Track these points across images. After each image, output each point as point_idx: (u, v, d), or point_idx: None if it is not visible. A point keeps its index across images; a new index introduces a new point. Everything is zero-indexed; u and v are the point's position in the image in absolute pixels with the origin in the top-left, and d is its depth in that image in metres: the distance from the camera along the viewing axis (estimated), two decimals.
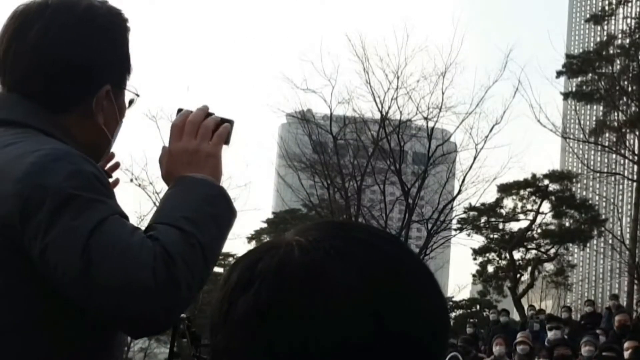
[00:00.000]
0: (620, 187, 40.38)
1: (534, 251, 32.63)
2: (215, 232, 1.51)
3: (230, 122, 1.76)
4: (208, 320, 0.78)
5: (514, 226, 32.88)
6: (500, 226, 33.05)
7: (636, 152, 29.23)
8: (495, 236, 32.99)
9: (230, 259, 49.87)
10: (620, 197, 43.59)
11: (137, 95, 1.68)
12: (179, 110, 1.75)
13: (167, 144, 1.66)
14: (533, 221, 31.86)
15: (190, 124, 1.64)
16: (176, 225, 1.46)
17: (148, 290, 1.36)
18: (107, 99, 1.59)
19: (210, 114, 1.69)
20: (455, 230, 27.66)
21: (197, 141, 1.62)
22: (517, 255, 31.93)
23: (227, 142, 1.77)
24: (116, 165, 1.91)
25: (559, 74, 33.13)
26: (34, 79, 1.55)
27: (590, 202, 34.52)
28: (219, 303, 0.76)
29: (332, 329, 0.69)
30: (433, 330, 0.74)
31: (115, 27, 1.61)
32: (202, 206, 1.51)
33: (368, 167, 24.40)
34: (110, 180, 1.74)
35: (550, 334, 10.52)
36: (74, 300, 1.39)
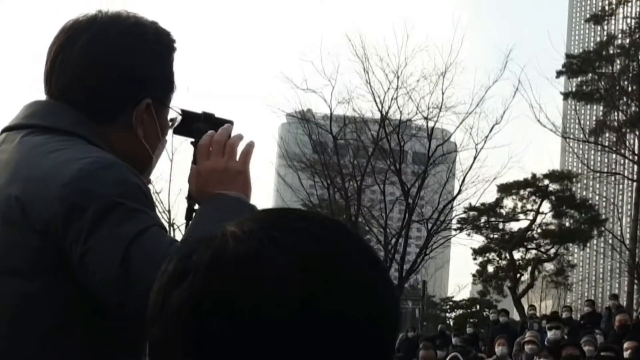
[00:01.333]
0: (620, 187, 40.40)
1: (534, 251, 32.66)
2: None
3: (230, 123, 1.79)
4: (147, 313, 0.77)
5: (514, 226, 32.93)
6: (500, 226, 33.08)
7: (636, 152, 29.24)
8: (495, 236, 33.01)
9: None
10: (620, 197, 43.60)
11: (180, 115, 1.72)
12: (182, 111, 1.78)
13: (193, 163, 1.70)
14: (533, 221, 31.88)
15: (216, 144, 1.68)
16: None
17: None
18: (148, 112, 1.62)
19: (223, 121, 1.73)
20: (455, 230, 27.69)
21: (225, 159, 1.67)
22: (517, 255, 31.97)
23: None
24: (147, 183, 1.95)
25: (559, 74, 33.14)
26: (77, 89, 1.58)
27: (590, 202, 34.55)
28: (156, 295, 0.75)
29: (262, 318, 0.68)
30: (372, 312, 0.72)
31: (162, 44, 1.65)
32: None
33: (368, 167, 24.40)
34: None
35: (550, 334, 10.53)
36: (109, 305, 1.42)
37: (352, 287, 0.72)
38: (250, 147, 1.72)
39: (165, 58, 1.65)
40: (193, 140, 1.77)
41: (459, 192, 23.98)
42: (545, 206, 32.39)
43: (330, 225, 0.76)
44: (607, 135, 31.31)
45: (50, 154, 1.49)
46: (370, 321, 0.72)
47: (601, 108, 33.60)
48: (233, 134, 1.75)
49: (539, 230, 32.69)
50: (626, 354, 8.55)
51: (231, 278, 0.70)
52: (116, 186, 1.44)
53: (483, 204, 30.63)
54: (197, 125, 1.76)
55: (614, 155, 33.24)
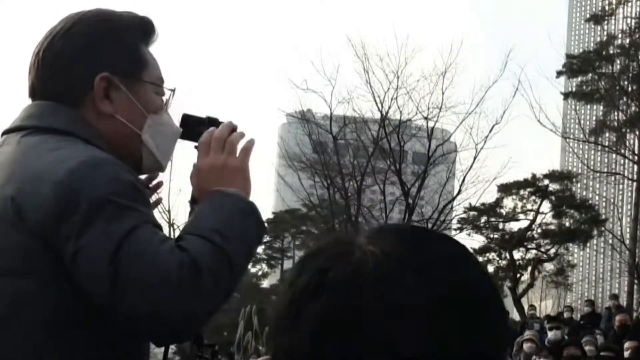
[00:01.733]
0: (620, 187, 40.40)
1: (534, 251, 32.62)
2: (244, 247, 1.55)
3: (234, 127, 1.79)
4: (273, 319, 0.78)
5: (514, 226, 32.89)
6: (500, 226, 33.03)
7: (636, 152, 29.23)
8: (495, 236, 32.97)
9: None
10: (620, 197, 43.61)
11: (171, 90, 1.73)
12: (184, 116, 1.77)
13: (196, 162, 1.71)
14: (533, 221, 31.85)
15: (216, 141, 1.69)
16: (207, 237, 1.50)
17: (171, 299, 1.39)
18: (115, 89, 1.63)
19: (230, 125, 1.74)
20: (455, 230, 27.68)
21: (224, 156, 1.68)
22: (517, 255, 31.93)
23: None
24: (159, 184, 1.95)
25: (559, 73, 33.11)
26: (48, 82, 1.63)
27: (590, 202, 34.51)
28: (287, 304, 0.75)
29: (399, 343, 0.70)
30: (497, 347, 0.75)
31: (114, 21, 1.67)
32: (233, 220, 1.56)
33: (368, 167, 24.40)
34: (152, 199, 1.79)
35: (551, 334, 10.51)
36: (100, 304, 1.42)
37: (484, 317, 0.74)
38: (250, 144, 1.72)
39: (118, 33, 1.66)
40: (197, 144, 1.77)
41: (459, 192, 24.01)
42: (545, 206, 32.38)
43: (461, 251, 0.77)
44: (607, 135, 31.30)
45: (46, 154, 1.50)
46: (496, 352, 0.74)
47: (601, 108, 33.58)
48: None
49: (539, 230, 32.66)
50: (626, 354, 8.54)
51: (369, 299, 0.71)
52: (108, 184, 1.44)
53: (483, 204, 30.61)
54: (200, 129, 1.77)
55: (614, 155, 33.22)
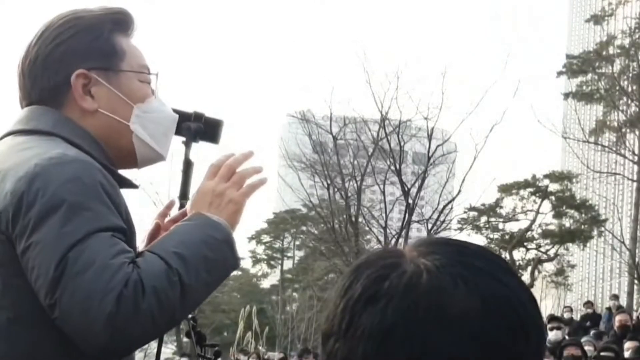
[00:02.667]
0: (620, 187, 40.36)
1: (534, 251, 32.63)
2: (204, 275, 1.50)
3: (220, 122, 1.78)
4: (323, 327, 0.79)
5: (514, 226, 32.90)
6: (500, 226, 33.06)
7: (636, 152, 29.22)
8: (496, 236, 32.98)
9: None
10: (620, 197, 43.57)
11: (155, 75, 1.71)
12: (173, 111, 1.76)
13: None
14: (533, 221, 31.85)
15: (227, 167, 1.67)
16: (164, 258, 1.46)
17: (106, 316, 1.36)
18: (95, 84, 1.63)
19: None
20: (455, 230, 27.66)
21: (227, 185, 1.64)
22: (517, 255, 31.93)
23: (216, 140, 1.78)
24: (170, 204, 1.86)
25: (559, 74, 33.13)
26: (30, 89, 1.64)
27: (590, 202, 34.52)
28: (340, 312, 0.77)
29: (451, 354, 0.73)
30: (536, 357, 0.78)
31: (84, 18, 1.67)
32: (200, 247, 1.51)
33: (368, 167, 24.38)
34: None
35: (552, 334, 10.50)
36: (44, 305, 1.40)
37: (527, 330, 0.77)
38: (260, 183, 1.69)
39: (90, 27, 1.65)
40: (184, 139, 1.76)
41: (459, 192, 23.95)
42: (545, 206, 32.39)
43: (506, 268, 0.81)
44: (607, 135, 31.30)
45: (20, 152, 1.50)
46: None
47: (601, 108, 33.59)
48: (222, 133, 1.77)
49: (539, 231, 32.67)
50: (627, 354, 8.54)
51: (425, 309, 0.74)
52: (69, 182, 1.42)
53: (483, 204, 30.62)
54: (187, 124, 1.75)
55: (614, 156, 33.19)
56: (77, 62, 1.62)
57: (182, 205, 1.75)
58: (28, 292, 1.42)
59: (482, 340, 0.74)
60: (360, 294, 0.77)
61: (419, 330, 0.73)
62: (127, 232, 1.48)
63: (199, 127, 1.77)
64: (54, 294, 1.37)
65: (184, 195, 1.75)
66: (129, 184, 1.65)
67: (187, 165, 1.78)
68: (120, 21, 1.69)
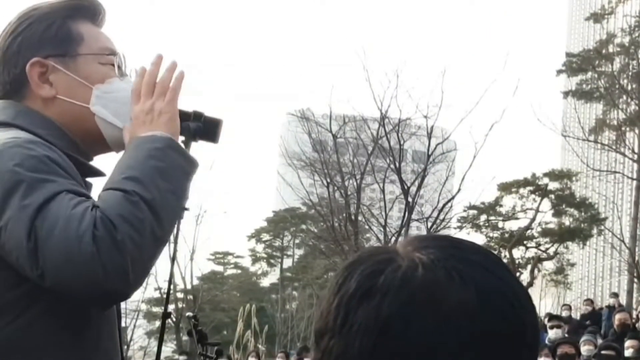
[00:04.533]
0: (620, 185, 40.40)
1: (533, 250, 32.64)
2: (164, 184, 1.49)
3: (220, 121, 1.78)
4: (317, 325, 0.79)
5: (514, 225, 32.91)
6: (500, 225, 33.07)
7: (636, 150, 29.24)
8: (495, 235, 32.99)
9: (230, 257, 50.07)
10: (620, 195, 43.60)
11: (114, 55, 1.70)
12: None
13: None
14: (533, 220, 31.86)
15: (147, 85, 1.65)
16: (117, 187, 1.46)
17: (90, 258, 1.36)
18: (52, 71, 1.64)
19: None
20: (455, 228, 27.66)
21: (152, 99, 1.63)
22: (516, 253, 31.95)
23: (215, 140, 1.77)
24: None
25: (559, 72, 33.14)
26: None
27: (589, 200, 34.52)
28: (335, 309, 0.77)
29: (448, 346, 0.73)
30: (531, 350, 0.79)
31: (41, 8, 1.68)
32: (146, 161, 1.50)
33: (368, 166, 24.38)
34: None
35: (552, 333, 10.51)
36: (32, 279, 1.40)
37: (522, 322, 0.78)
38: (177, 80, 1.66)
39: (46, 16, 1.66)
40: (183, 139, 1.75)
41: (459, 190, 23.94)
42: (545, 205, 32.41)
43: (498, 261, 0.81)
44: (606, 133, 31.33)
45: None
46: (531, 353, 0.79)
47: (601, 106, 33.62)
48: (221, 132, 1.75)
49: (539, 229, 32.68)
50: (628, 352, 8.54)
51: (420, 302, 0.74)
52: (22, 160, 1.43)
53: (483, 203, 30.63)
54: (186, 124, 1.74)
55: (613, 154, 33.23)
56: (32, 52, 1.63)
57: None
58: (6, 280, 1.43)
59: (477, 332, 0.74)
60: (355, 289, 0.76)
61: (415, 324, 0.73)
62: (86, 194, 1.47)
63: (198, 127, 1.76)
64: (37, 264, 1.37)
65: None
66: (95, 172, 1.65)
67: None
68: (80, 7, 1.69)
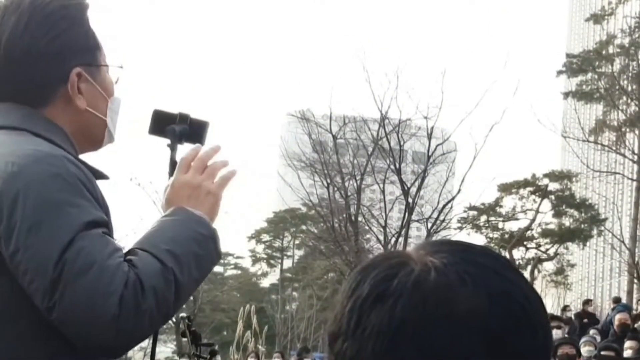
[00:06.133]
0: (620, 186, 40.34)
1: (533, 250, 32.66)
2: (195, 273, 1.51)
3: (206, 124, 1.77)
4: (330, 328, 0.80)
5: (514, 225, 32.94)
6: (500, 225, 33.10)
7: (636, 151, 29.23)
8: (495, 235, 33.01)
9: (230, 257, 50.05)
10: (620, 196, 43.55)
11: (121, 67, 1.68)
12: (155, 112, 1.75)
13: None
14: (533, 220, 31.88)
15: (199, 160, 1.67)
16: (159, 257, 1.46)
17: (110, 318, 1.37)
18: (83, 81, 1.59)
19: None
20: (455, 229, 27.64)
21: (202, 177, 1.65)
22: (517, 254, 31.95)
23: (201, 142, 1.77)
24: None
25: (559, 73, 33.13)
26: (5, 83, 1.56)
27: (590, 201, 34.53)
28: (348, 312, 0.78)
29: (460, 350, 0.74)
30: (543, 352, 0.79)
31: (68, 7, 1.60)
32: (191, 244, 1.52)
33: (368, 166, 24.37)
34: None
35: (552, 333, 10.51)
36: (39, 307, 1.39)
37: (534, 332, 0.78)
38: (231, 174, 1.69)
39: (77, 20, 1.60)
40: (169, 142, 1.74)
41: (459, 191, 23.94)
42: (545, 205, 32.43)
43: (508, 265, 0.82)
44: (606, 134, 31.31)
45: None
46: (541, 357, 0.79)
47: (601, 107, 33.60)
48: (208, 135, 1.75)
49: (539, 230, 32.71)
50: (628, 353, 8.53)
51: (433, 305, 0.75)
52: (50, 181, 1.40)
53: (483, 204, 30.64)
54: (171, 127, 1.73)
55: (613, 155, 33.20)
56: (71, 58, 1.58)
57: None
58: (12, 289, 1.41)
59: (489, 335, 0.75)
60: (368, 293, 0.77)
61: (428, 327, 0.74)
62: (109, 223, 1.48)
63: (184, 129, 1.74)
64: (52, 296, 1.36)
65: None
66: (101, 176, 1.64)
67: (174, 168, 1.74)
68: (85, 5, 1.64)
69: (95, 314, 1.36)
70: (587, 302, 16.43)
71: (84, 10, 1.62)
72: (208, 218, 1.60)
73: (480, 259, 0.80)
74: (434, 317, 0.74)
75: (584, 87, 32.90)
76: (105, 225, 1.45)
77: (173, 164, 1.74)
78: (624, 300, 24.05)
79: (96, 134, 1.65)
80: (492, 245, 32.69)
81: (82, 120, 1.60)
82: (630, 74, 29.66)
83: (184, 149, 1.76)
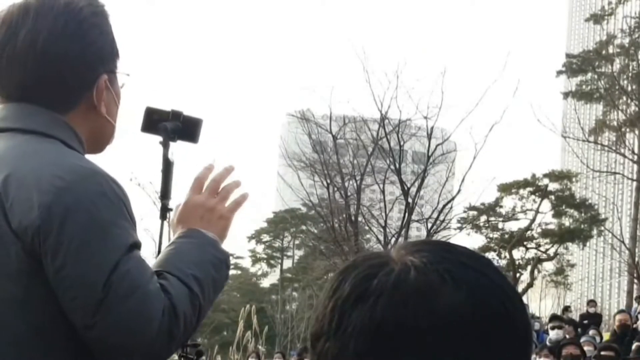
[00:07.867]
0: (620, 186, 40.39)
1: (533, 250, 32.66)
2: (212, 296, 1.58)
3: (199, 121, 1.76)
4: (312, 329, 0.80)
5: (514, 225, 32.94)
6: (500, 225, 33.09)
7: (636, 151, 29.24)
8: (495, 235, 33.01)
9: (230, 258, 50.10)
10: (619, 196, 43.59)
11: (128, 75, 1.68)
12: (147, 109, 1.74)
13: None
14: (533, 220, 31.87)
15: (214, 182, 1.69)
16: (186, 282, 1.51)
17: (149, 341, 1.42)
18: (106, 88, 1.58)
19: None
20: (455, 229, 27.63)
21: (216, 200, 1.67)
22: (516, 254, 31.95)
23: (195, 140, 1.76)
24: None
25: (559, 73, 33.15)
26: (32, 85, 1.52)
27: (589, 201, 34.55)
28: (330, 312, 0.78)
29: (442, 348, 0.74)
30: (524, 349, 0.80)
31: (99, 15, 1.59)
32: (209, 269, 1.57)
33: (368, 167, 24.37)
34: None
35: (552, 334, 10.52)
36: (77, 324, 1.41)
37: (515, 329, 0.78)
38: (243, 198, 1.72)
39: (106, 28, 1.59)
40: (161, 139, 1.73)
41: (459, 191, 23.94)
42: (545, 205, 32.43)
43: (488, 263, 0.82)
44: (606, 134, 31.33)
45: (30, 157, 1.45)
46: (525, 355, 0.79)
47: (601, 107, 33.63)
48: (201, 132, 1.76)
49: (539, 230, 32.71)
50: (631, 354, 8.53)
51: (414, 305, 0.75)
52: (97, 200, 1.42)
53: (483, 204, 30.62)
54: (163, 124, 1.72)
55: (613, 155, 33.24)
56: (100, 65, 1.57)
57: (163, 205, 1.74)
58: (50, 303, 1.41)
59: (470, 332, 0.75)
60: (349, 293, 0.78)
61: (408, 325, 0.74)
62: (141, 246, 1.52)
63: (176, 126, 1.73)
64: (94, 316, 1.38)
65: (164, 195, 1.74)
66: None
67: (167, 165, 1.74)
68: (108, 13, 1.62)
69: (136, 338, 1.41)
70: (590, 302, 16.43)
71: (109, 16, 1.61)
72: (220, 241, 1.64)
73: (461, 258, 0.80)
74: (415, 316, 0.75)
75: (583, 87, 32.92)
76: (140, 247, 1.49)
77: (167, 162, 1.73)
78: (624, 300, 24.01)
79: (107, 139, 1.66)
80: (492, 245, 32.72)
81: (98, 125, 1.61)
82: (630, 74, 29.67)
83: (176, 146, 1.75)
